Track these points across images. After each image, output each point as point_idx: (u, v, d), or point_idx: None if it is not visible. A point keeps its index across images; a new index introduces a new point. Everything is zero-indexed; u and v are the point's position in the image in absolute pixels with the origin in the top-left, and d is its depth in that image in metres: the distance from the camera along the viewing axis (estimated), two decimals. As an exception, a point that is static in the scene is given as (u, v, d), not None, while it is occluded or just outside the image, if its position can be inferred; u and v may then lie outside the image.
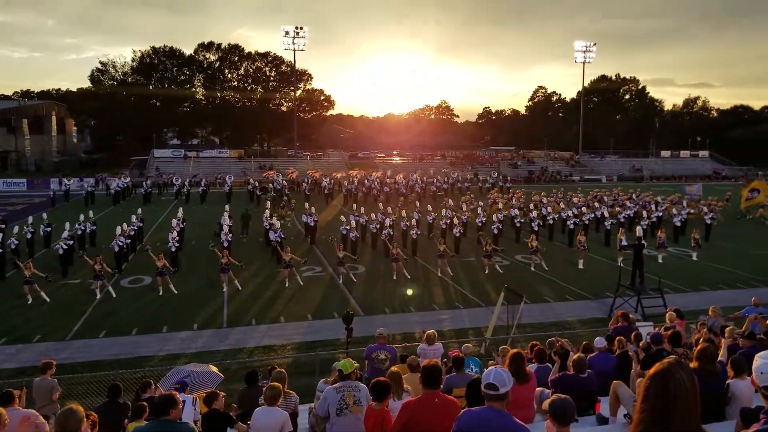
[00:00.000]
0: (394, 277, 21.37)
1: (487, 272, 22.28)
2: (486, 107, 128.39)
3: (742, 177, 68.80)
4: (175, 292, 19.28)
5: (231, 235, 24.20)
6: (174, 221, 25.41)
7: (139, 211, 28.30)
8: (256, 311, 17.78)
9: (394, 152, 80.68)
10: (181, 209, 29.01)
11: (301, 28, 67.88)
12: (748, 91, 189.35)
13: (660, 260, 23.84)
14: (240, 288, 19.96)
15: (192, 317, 17.04)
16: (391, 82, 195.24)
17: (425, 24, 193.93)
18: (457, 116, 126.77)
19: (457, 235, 26.15)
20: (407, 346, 13.02)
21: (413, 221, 26.75)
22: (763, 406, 2.92)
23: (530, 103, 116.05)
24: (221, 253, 20.79)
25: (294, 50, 68.94)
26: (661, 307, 16.11)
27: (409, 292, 19.81)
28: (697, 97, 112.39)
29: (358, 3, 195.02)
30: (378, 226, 26.82)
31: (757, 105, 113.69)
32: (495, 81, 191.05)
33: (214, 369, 9.54)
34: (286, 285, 20.25)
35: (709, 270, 23.03)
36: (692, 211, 33.17)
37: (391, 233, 25.09)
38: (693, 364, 5.82)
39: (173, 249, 22.34)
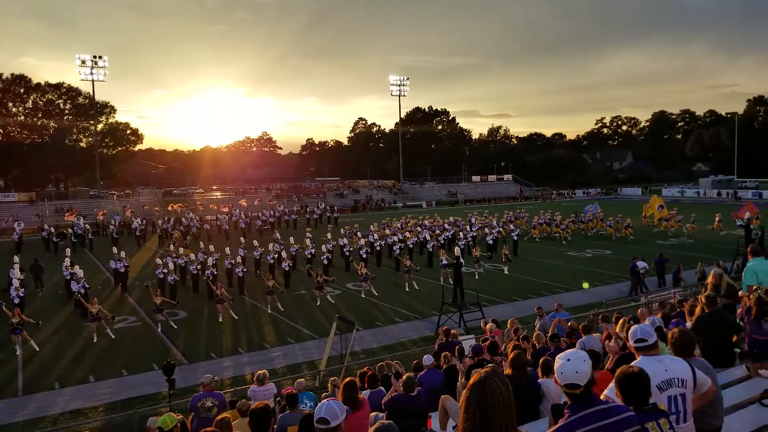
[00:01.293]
0: (220, 319, 20.29)
1: (319, 303, 22.13)
2: (309, 139, 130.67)
3: (540, 196, 77.82)
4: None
5: (23, 289, 21.12)
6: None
7: None
8: (60, 372, 15.56)
9: (214, 187, 77.93)
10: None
11: (100, 57, 62.19)
12: (540, 120, 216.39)
13: (477, 276, 25.71)
14: (37, 349, 17.42)
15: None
16: (207, 114, 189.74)
17: (241, 55, 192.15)
18: (280, 148, 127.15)
19: (287, 268, 25.74)
20: (237, 389, 12.34)
21: (238, 258, 25.76)
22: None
23: (352, 134, 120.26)
24: (11, 312, 17.92)
25: (92, 81, 62.82)
26: (480, 319, 17.27)
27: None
28: (500, 127, 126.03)
29: (166, 32, 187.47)
30: (199, 267, 25.40)
31: (548, 132, 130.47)
32: (316, 113, 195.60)
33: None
34: (95, 340, 18.14)
35: (519, 281, 25.34)
36: (594, 229, 37.94)
37: (215, 273, 23.92)
38: (507, 371, 6.23)
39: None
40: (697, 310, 6.58)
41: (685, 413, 3.69)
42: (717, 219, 35.93)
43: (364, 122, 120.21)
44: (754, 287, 7.13)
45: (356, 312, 20.59)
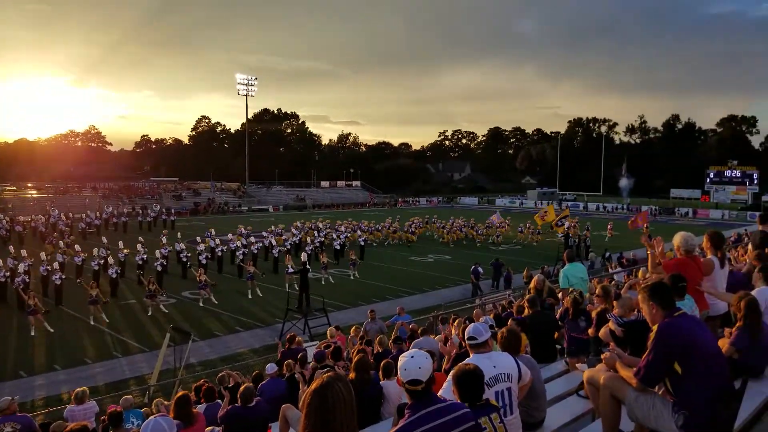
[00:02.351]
0: (33, 333, 18.03)
1: (150, 314, 20.58)
2: (144, 135, 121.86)
3: (387, 203, 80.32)
4: None
5: None
6: None
7: None
8: None
9: (30, 184, 69.64)
10: None
11: None
12: (388, 129, 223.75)
13: (323, 282, 25.70)
14: None
15: None
16: (24, 103, 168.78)
17: (66, 39, 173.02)
18: (110, 144, 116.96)
19: (114, 275, 23.62)
20: (51, 410, 11.03)
21: (56, 264, 23.08)
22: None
23: (194, 132, 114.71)
24: None
25: None
26: (326, 325, 17.23)
27: None
28: (349, 134, 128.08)
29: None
30: (8, 275, 22.40)
31: (395, 141, 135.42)
32: (153, 108, 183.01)
33: None
34: None
35: (365, 286, 25.75)
36: (497, 236, 38.51)
37: (27, 280, 21.23)
38: (352, 375, 6.19)
39: None
40: (526, 311, 7.07)
41: (511, 406, 3.88)
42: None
43: (207, 121, 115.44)
44: (570, 289, 7.81)
45: (193, 322, 19.56)
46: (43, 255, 24.71)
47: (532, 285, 8.74)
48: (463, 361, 3.66)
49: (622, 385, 3.49)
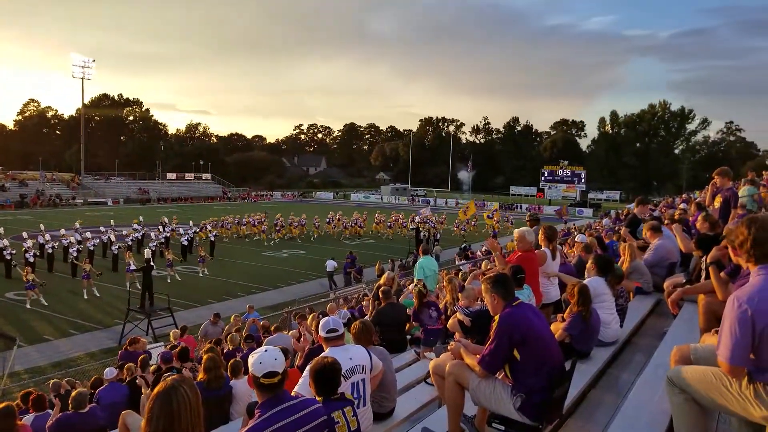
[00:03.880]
0: None
1: (-34, 318, 18.17)
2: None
3: (242, 197, 77.98)
4: None
5: None
6: None
7: None
8: None
9: None
10: None
11: None
12: (241, 120, 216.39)
13: (169, 280, 24.32)
14: None
15: None
16: None
17: None
18: None
19: None
20: None
21: None
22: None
23: (20, 117, 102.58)
24: None
25: None
26: (172, 325, 16.36)
27: None
28: (199, 123, 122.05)
29: None
30: None
31: (249, 134, 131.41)
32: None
33: None
34: None
35: (215, 283, 24.80)
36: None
37: None
38: (202, 376, 5.95)
39: None
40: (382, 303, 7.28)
41: (365, 397, 3.97)
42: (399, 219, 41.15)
43: (36, 104, 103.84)
44: (414, 282, 8.19)
45: (19, 325, 17.66)
46: None
47: (381, 281, 9.02)
48: (321, 355, 3.67)
49: (466, 372, 3.72)
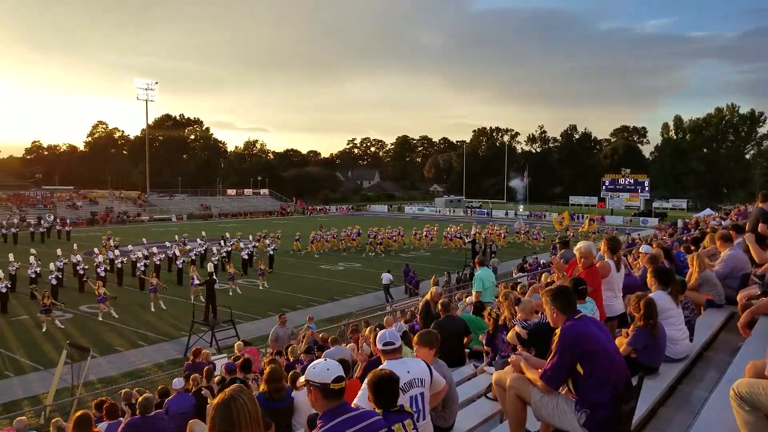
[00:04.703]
0: None
1: (45, 330, 19.21)
2: (36, 141, 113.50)
3: (305, 211, 79.28)
4: None
5: None
6: None
7: None
8: None
9: None
10: None
11: None
12: (296, 136, 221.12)
13: (231, 293, 24.98)
14: None
15: None
16: None
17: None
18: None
19: (4, 290, 21.80)
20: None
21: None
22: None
23: (90, 138, 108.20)
24: None
25: None
26: (234, 337, 16.77)
27: None
28: (256, 141, 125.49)
29: None
30: None
31: (304, 149, 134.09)
32: (44, 112, 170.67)
33: None
34: None
35: (274, 296, 25.28)
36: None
37: None
38: (263, 387, 6.07)
39: None
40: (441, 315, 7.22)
41: (424, 411, 3.96)
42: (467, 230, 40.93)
43: (104, 126, 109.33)
44: (488, 309, 7.98)
45: (92, 337, 18.49)
46: None
47: (428, 296, 8.93)
48: (378, 367, 3.70)
49: (528, 386, 3.66)
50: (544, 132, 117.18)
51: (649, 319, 4.76)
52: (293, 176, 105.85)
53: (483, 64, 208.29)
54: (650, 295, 5.31)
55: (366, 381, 3.58)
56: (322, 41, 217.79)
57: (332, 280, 28.84)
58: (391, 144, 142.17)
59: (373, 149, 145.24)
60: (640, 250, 10.09)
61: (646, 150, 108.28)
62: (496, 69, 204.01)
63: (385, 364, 3.97)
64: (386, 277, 24.44)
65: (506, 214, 74.69)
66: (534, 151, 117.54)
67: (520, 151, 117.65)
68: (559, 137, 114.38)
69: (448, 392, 4.39)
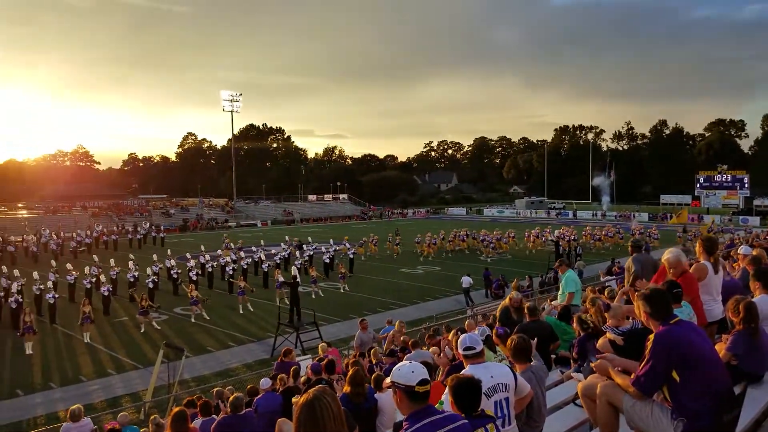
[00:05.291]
0: (28, 351, 17.90)
1: (143, 330, 20.49)
2: (132, 153, 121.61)
3: (388, 214, 80.00)
4: None
5: None
6: None
7: None
8: None
9: (20, 204, 69.00)
10: None
11: None
12: (373, 141, 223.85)
13: (313, 296, 25.62)
14: None
15: None
16: (11, 124, 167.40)
17: (53, 61, 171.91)
18: (99, 163, 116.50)
19: (106, 293, 23.46)
20: (49, 428, 10.97)
21: (49, 284, 23.01)
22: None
23: (180, 149, 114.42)
24: None
25: None
26: (318, 339, 17.17)
27: None
28: (335, 147, 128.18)
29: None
30: (1, 294, 22.25)
31: (381, 154, 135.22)
32: (139, 126, 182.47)
33: None
34: None
35: (355, 299, 25.68)
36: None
37: (20, 300, 21.07)
38: (346, 388, 6.19)
39: None
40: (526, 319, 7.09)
41: (509, 416, 3.90)
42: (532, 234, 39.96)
43: (194, 137, 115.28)
44: (575, 316, 7.74)
45: (186, 338, 19.44)
46: (35, 274, 24.61)
47: (506, 301, 8.69)
48: (460, 372, 3.69)
49: (620, 393, 3.53)
50: (632, 128, 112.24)
51: (750, 323, 4.44)
52: (371, 181, 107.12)
53: (564, 60, 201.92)
54: (753, 299, 4.97)
55: (447, 385, 3.58)
56: (396, 46, 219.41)
57: (412, 284, 28.92)
58: (469, 146, 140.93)
59: (450, 152, 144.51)
60: (738, 252, 9.44)
61: (745, 144, 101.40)
62: (578, 64, 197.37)
63: (468, 369, 3.96)
64: (466, 281, 24.23)
65: (593, 215, 71.95)
66: (620, 148, 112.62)
67: (605, 149, 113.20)
68: (647, 133, 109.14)
69: (537, 397, 4.31)
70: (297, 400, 6.55)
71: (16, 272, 24.70)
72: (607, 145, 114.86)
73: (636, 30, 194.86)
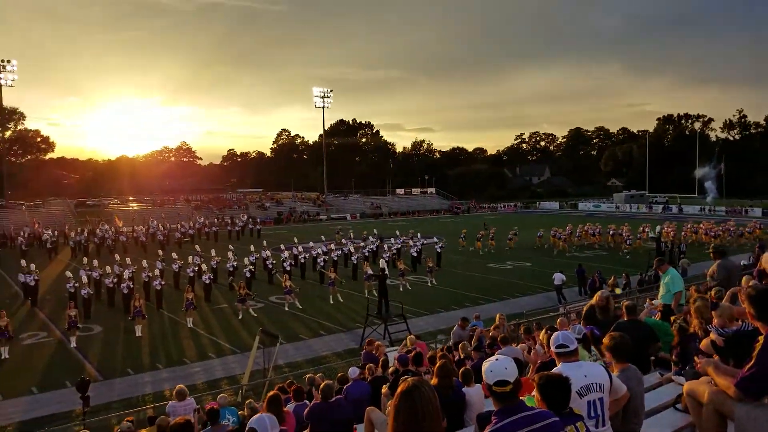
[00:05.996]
0: (138, 334, 19.38)
1: (241, 317, 21.56)
2: (231, 149, 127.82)
3: (476, 208, 79.20)
4: None
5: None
6: None
7: None
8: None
9: (131, 198, 74.58)
10: None
11: (8, 61, 58.63)
12: (462, 134, 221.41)
13: (401, 288, 25.83)
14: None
15: None
16: (123, 122, 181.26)
17: (158, 62, 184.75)
18: (200, 158, 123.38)
19: (207, 281, 24.89)
20: (157, 405, 11.87)
21: (156, 271, 24.77)
22: (493, 410, 3.08)
23: (275, 145, 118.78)
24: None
25: (-1, 86, 59.34)
26: (405, 331, 17.32)
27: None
28: (423, 140, 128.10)
29: (78, 38, 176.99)
30: (115, 281, 24.18)
31: (470, 147, 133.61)
32: (238, 123, 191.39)
33: None
34: (3, 357, 17.05)
35: (443, 293, 25.66)
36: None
37: (131, 286, 22.80)
38: (434, 380, 6.21)
39: None
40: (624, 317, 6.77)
41: (604, 417, 3.77)
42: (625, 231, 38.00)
43: (287, 133, 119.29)
44: (672, 319, 7.33)
45: (280, 325, 20.19)
46: (144, 263, 26.55)
47: (594, 300, 8.28)
48: (550, 370, 3.61)
49: (729, 400, 3.31)
50: (744, 116, 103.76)
51: None
52: (459, 174, 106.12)
53: (667, 45, 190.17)
54: None
55: (537, 381, 3.51)
56: (487, 37, 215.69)
57: (501, 279, 28.47)
58: (563, 137, 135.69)
59: (542, 144, 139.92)
60: None
61: None
62: (683, 49, 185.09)
63: (560, 367, 3.86)
64: (558, 278, 23.50)
65: (701, 209, 67.33)
66: (731, 138, 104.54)
67: (714, 139, 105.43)
68: (763, 122, 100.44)
69: (635, 399, 4.13)
70: (386, 391, 6.68)
71: (128, 260, 26.67)
72: (716, 135, 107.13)
73: (751, 10, 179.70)
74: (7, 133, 68.14)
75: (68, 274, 24.28)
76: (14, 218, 50.58)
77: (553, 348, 4.01)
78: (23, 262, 25.95)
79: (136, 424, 9.69)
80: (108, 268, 25.17)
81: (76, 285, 22.53)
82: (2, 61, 58.38)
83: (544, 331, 8.58)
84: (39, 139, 74.91)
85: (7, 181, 62.34)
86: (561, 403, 3.24)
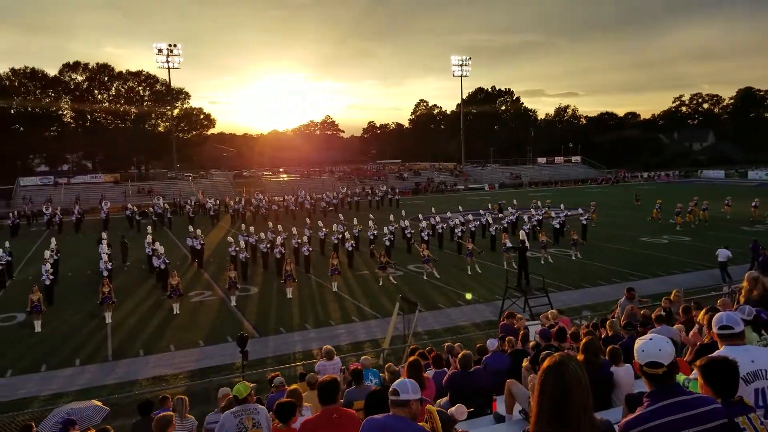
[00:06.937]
0: (289, 296, 20.88)
1: (381, 284, 22.34)
2: (371, 122, 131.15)
3: (622, 178, 74.57)
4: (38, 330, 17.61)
5: (110, 263, 22.85)
6: (47, 253, 23.25)
7: (7, 244, 26.20)
8: (144, 341, 16.61)
9: (281, 169, 79.66)
10: (53, 240, 27.07)
11: (175, 46, 64.83)
12: (611, 98, 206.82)
13: (542, 261, 25.08)
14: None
15: (73, 353, 15.69)
16: (273, 98, 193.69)
17: (303, 40, 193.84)
18: (342, 131, 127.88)
19: (350, 249, 26.05)
20: (306, 363, 12.77)
21: (304, 238, 26.40)
22: (645, 391, 2.93)
23: (413, 116, 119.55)
24: (102, 282, 19.28)
25: (168, 68, 65.64)
26: (547, 305, 16.82)
27: (468, 296, 19.48)
28: (567, 106, 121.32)
29: (231, 19, 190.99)
30: (268, 246, 26.17)
31: (620, 111, 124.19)
32: (377, 95, 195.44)
33: (98, 403, 8.60)
34: (175, 312, 19.19)
35: (589, 267, 24.54)
36: None
37: (283, 251, 24.53)
38: (579, 357, 6.02)
39: (47, 282, 20.56)
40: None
41: (773, 408, 3.43)
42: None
43: (425, 104, 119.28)
44: None
45: (418, 293, 20.60)
46: (294, 230, 28.42)
47: (743, 285, 7.34)
48: (714, 353, 3.35)
49: None
50: None
51: None
52: (608, 141, 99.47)
53: None
54: None
55: (697, 365, 3.27)
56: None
57: (655, 254, 26.52)
58: (730, 98, 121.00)
59: (705, 106, 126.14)
60: None
61: None
62: None
63: (723, 350, 3.57)
64: (723, 254, 21.35)
65: None
66: None
67: None
68: None
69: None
70: (527, 364, 6.59)
71: (280, 227, 28.63)
72: None
73: None
74: (176, 111, 75.80)
75: (229, 239, 26.71)
76: (183, 188, 56.63)
77: (715, 329, 3.74)
78: (190, 228, 29.00)
79: (288, 380, 10.51)
80: (262, 235, 27.34)
81: (237, 249, 24.74)
82: (170, 45, 64.75)
83: (704, 311, 7.92)
84: (202, 116, 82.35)
85: (177, 155, 69.55)
86: (729, 389, 2.99)
